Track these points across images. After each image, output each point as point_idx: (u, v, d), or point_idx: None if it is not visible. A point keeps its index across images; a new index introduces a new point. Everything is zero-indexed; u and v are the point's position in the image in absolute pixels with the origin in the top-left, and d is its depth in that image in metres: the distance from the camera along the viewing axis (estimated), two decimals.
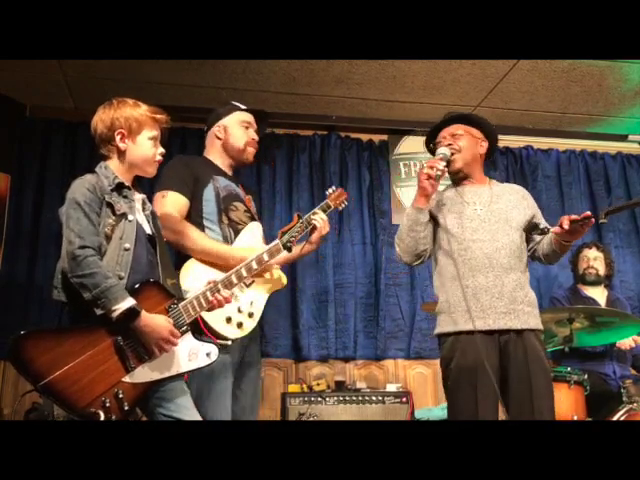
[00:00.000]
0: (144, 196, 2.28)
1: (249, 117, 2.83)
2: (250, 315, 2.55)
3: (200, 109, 4.53)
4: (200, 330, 2.37)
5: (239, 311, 2.51)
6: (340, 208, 3.02)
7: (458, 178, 2.66)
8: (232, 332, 2.48)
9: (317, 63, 4.00)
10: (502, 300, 2.43)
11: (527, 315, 2.46)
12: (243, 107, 2.85)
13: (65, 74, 4.07)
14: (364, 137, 4.97)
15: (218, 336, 2.42)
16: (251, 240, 2.65)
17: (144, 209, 2.26)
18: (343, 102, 4.58)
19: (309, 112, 4.71)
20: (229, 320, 2.46)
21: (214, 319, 2.41)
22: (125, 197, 2.16)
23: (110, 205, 2.08)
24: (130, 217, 2.12)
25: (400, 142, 5.01)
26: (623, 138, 5.19)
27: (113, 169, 2.17)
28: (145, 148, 2.20)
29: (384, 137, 5.01)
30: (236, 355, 2.55)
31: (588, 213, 2.34)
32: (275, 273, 2.70)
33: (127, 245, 2.07)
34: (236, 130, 2.77)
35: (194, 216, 2.59)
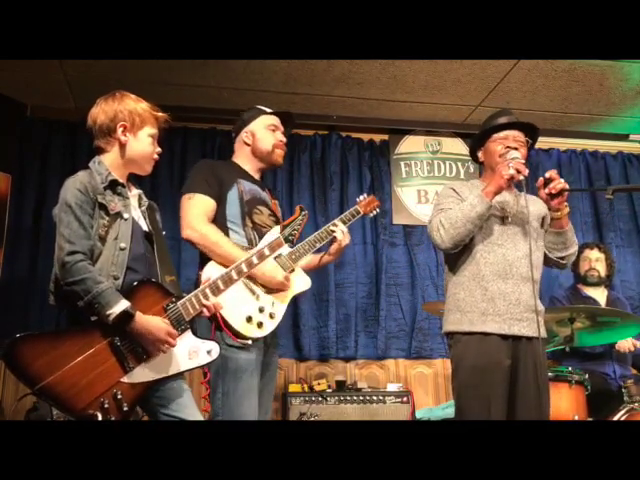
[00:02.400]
0: (140, 191, 2.26)
1: (275, 120, 2.85)
2: (271, 316, 2.56)
3: (201, 109, 4.56)
4: (219, 327, 2.40)
5: (260, 311, 2.52)
6: (371, 215, 3.08)
7: None
8: (252, 331, 2.48)
9: (318, 63, 4.00)
10: (518, 307, 2.47)
11: (537, 324, 2.49)
12: (268, 110, 2.87)
13: (66, 74, 4.07)
14: (365, 137, 4.97)
15: (238, 335, 2.44)
16: None
17: (140, 205, 2.23)
18: (344, 102, 4.58)
19: (310, 112, 4.70)
20: (250, 319, 2.47)
21: (234, 317, 2.43)
22: (119, 194, 2.13)
23: (103, 206, 2.05)
24: (125, 215, 2.10)
25: (401, 142, 5.01)
26: (624, 138, 5.19)
27: (107, 164, 2.14)
28: (145, 144, 2.19)
29: (385, 137, 5.01)
30: (261, 354, 2.56)
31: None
32: (300, 275, 2.74)
33: (123, 245, 2.05)
34: (263, 134, 2.80)
35: (219, 218, 2.61)
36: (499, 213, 2.58)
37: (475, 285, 2.50)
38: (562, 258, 2.65)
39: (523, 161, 2.50)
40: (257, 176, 2.83)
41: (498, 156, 2.59)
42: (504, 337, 2.44)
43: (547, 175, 2.47)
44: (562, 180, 2.46)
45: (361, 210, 2.96)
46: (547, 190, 2.44)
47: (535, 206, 2.65)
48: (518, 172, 2.43)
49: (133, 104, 2.17)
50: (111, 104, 2.16)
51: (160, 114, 2.22)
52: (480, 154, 2.73)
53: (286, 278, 2.60)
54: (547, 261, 2.67)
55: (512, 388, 2.43)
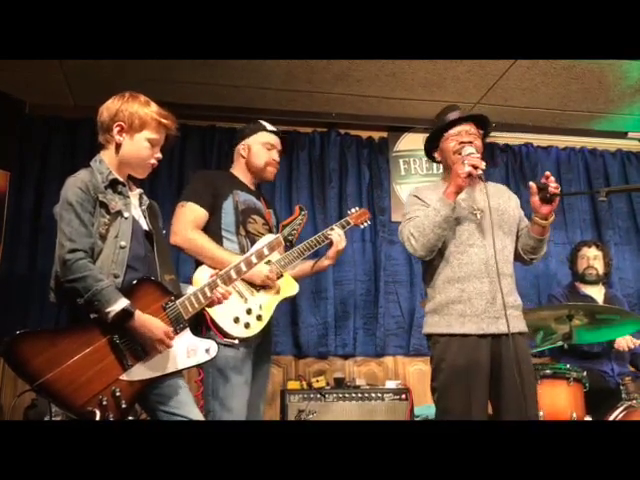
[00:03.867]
0: (141, 191, 2.26)
1: (273, 139, 2.94)
2: (258, 317, 2.62)
3: (200, 106, 4.55)
4: (207, 327, 2.46)
5: (248, 312, 2.59)
6: (362, 227, 3.20)
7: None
8: (239, 332, 2.54)
9: (317, 61, 4.00)
10: (495, 305, 2.46)
11: (516, 319, 2.52)
12: (270, 128, 2.95)
13: (65, 72, 4.06)
14: (364, 134, 4.96)
15: (225, 334, 2.50)
16: None
17: (141, 204, 2.24)
18: (343, 99, 4.57)
19: (309, 109, 4.70)
20: (237, 320, 2.54)
21: (222, 317, 2.49)
22: (120, 193, 2.13)
23: (104, 204, 2.06)
24: (126, 214, 2.10)
25: (400, 139, 5.00)
26: (623, 135, 5.19)
27: (108, 163, 2.15)
28: (140, 148, 2.16)
29: (384, 134, 5.00)
30: (250, 353, 2.62)
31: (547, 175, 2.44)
32: (288, 280, 2.80)
33: (123, 243, 2.06)
34: (258, 150, 2.90)
35: (214, 227, 2.71)
36: (468, 212, 2.56)
37: (450, 287, 2.50)
38: (534, 259, 2.68)
39: (478, 155, 2.48)
40: (252, 187, 2.93)
41: (452, 153, 2.58)
42: (483, 336, 2.44)
43: (542, 180, 2.45)
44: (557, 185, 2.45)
45: (351, 222, 3.07)
46: (552, 186, 2.42)
47: (502, 198, 2.65)
48: (475, 167, 2.41)
49: (137, 106, 2.15)
50: (116, 102, 2.16)
51: (166, 121, 2.18)
52: (436, 154, 2.71)
53: (270, 272, 2.65)
54: (517, 258, 2.67)
55: (497, 386, 2.43)
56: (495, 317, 2.45)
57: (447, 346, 2.45)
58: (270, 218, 2.93)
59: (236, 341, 2.51)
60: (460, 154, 2.51)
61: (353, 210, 3.16)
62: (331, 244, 2.88)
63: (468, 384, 2.38)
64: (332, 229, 2.92)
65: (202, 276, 2.54)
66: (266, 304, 2.67)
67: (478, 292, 2.47)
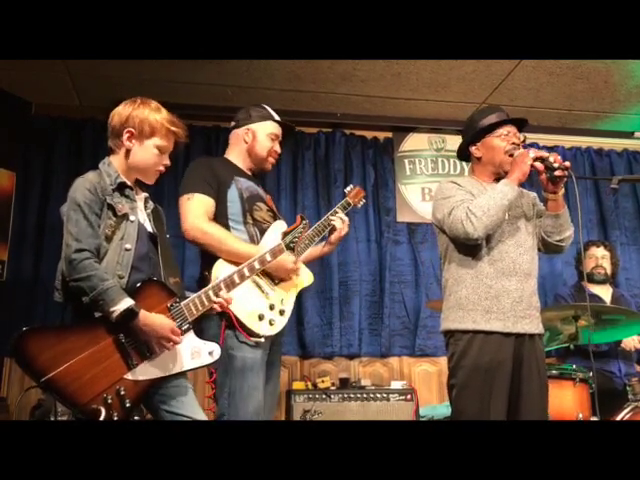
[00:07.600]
0: (146, 195, 2.28)
1: (278, 130, 2.85)
2: (281, 312, 2.61)
3: (205, 107, 4.56)
4: (233, 326, 2.44)
5: (271, 308, 2.56)
6: (359, 206, 3.17)
7: (499, 176, 2.61)
8: (264, 329, 2.52)
9: (322, 60, 4.00)
10: (521, 304, 2.46)
11: (537, 320, 2.52)
12: (277, 118, 2.87)
13: (70, 72, 4.07)
14: (369, 134, 4.97)
15: (251, 333, 2.47)
16: (277, 238, 2.61)
17: (146, 207, 2.25)
18: (348, 99, 4.57)
19: (314, 109, 4.71)
20: (261, 317, 2.51)
21: (246, 316, 2.46)
22: (127, 197, 2.15)
23: (111, 207, 2.07)
24: (132, 217, 2.12)
25: (405, 139, 5.01)
26: (629, 135, 5.17)
27: (116, 166, 2.16)
28: (149, 154, 2.17)
29: (389, 134, 5.00)
30: (266, 353, 2.58)
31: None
32: (303, 271, 2.79)
33: (128, 245, 2.07)
34: (263, 139, 2.79)
35: (219, 217, 2.61)
36: None
37: (478, 283, 2.48)
38: (561, 241, 2.60)
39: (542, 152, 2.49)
40: (250, 173, 2.82)
41: (504, 152, 2.56)
42: (507, 335, 2.43)
43: (551, 159, 2.42)
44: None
45: (351, 201, 3.05)
46: (558, 171, 2.40)
47: (523, 198, 2.64)
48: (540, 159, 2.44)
49: (148, 112, 2.15)
50: (127, 108, 2.16)
51: (175, 129, 2.19)
52: (474, 149, 2.65)
53: (295, 263, 2.63)
54: (546, 247, 2.64)
55: (516, 386, 2.42)
56: (521, 317, 2.45)
57: (470, 343, 2.43)
58: (272, 204, 2.85)
59: (262, 339, 2.49)
60: (511, 155, 2.52)
61: (348, 189, 3.12)
62: (333, 230, 2.86)
63: (489, 383, 2.36)
64: (335, 212, 2.90)
65: (221, 271, 2.46)
66: (287, 298, 2.66)
67: (506, 290, 2.46)
